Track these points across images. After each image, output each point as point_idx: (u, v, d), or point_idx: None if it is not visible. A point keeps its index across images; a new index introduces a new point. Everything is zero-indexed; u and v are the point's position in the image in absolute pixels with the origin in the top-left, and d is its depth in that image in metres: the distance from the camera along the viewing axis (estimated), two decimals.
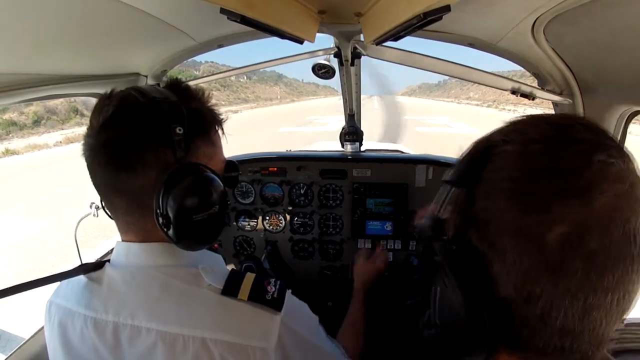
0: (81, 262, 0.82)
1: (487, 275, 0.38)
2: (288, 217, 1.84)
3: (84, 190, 0.66)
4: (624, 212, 0.34)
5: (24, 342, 1.08)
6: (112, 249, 0.70)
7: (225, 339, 0.60)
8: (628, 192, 0.35)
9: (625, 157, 0.37)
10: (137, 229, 0.65)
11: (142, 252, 0.65)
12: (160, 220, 0.60)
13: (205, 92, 0.70)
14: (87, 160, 0.62)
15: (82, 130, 0.66)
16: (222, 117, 0.71)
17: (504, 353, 0.42)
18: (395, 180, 1.75)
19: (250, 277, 0.66)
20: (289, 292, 0.68)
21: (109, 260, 0.69)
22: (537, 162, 0.37)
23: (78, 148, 0.64)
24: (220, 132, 0.71)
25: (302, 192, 1.82)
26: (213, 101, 0.71)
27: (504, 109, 42.30)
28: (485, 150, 0.41)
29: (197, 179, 0.62)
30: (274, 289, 0.66)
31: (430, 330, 0.47)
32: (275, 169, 1.81)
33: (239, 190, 1.85)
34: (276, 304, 0.64)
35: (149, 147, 0.59)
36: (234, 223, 1.87)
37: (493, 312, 0.38)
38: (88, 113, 0.67)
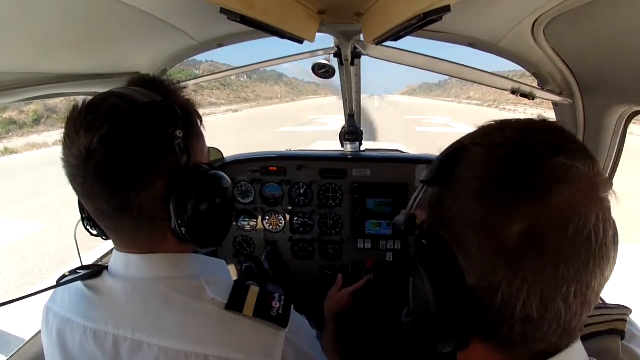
0: (81, 262, 0.81)
1: (455, 267, 0.41)
2: (288, 217, 1.84)
3: None
4: (581, 211, 0.37)
5: (24, 343, 1.08)
6: (110, 251, 0.69)
7: (229, 356, 0.58)
8: (586, 193, 0.37)
9: (587, 160, 0.39)
10: (143, 243, 0.63)
11: (143, 264, 0.63)
12: (184, 230, 0.59)
13: (179, 84, 0.67)
14: (81, 185, 0.57)
15: None
16: (197, 105, 0.69)
17: (477, 342, 0.44)
18: (395, 180, 1.75)
19: (254, 291, 0.65)
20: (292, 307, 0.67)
21: (107, 267, 0.67)
22: (500, 164, 0.40)
23: None
24: (200, 121, 0.69)
25: (302, 191, 1.82)
26: (195, 100, 0.69)
27: (504, 108, 41.83)
28: (456, 152, 0.45)
29: (209, 180, 0.61)
30: (278, 304, 0.64)
31: (407, 319, 0.50)
32: (275, 168, 1.81)
33: (238, 190, 1.85)
34: (281, 321, 0.62)
35: (154, 157, 0.57)
36: (234, 223, 1.87)
37: (461, 302, 0.41)
38: None
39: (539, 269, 0.37)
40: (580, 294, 0.38)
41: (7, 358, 1.05)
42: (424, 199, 0.48)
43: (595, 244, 0.37)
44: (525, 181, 0.38)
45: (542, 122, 0.43)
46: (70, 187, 0.60)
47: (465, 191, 0.41)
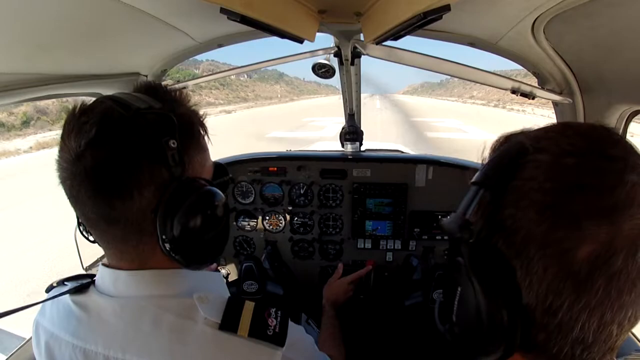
0: (82, 265, 0.80)
1: (513, 282, 0.39)
2: (288, 217, 1.84)
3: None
4: None
5: (24, 342, 1.09)
6: (101, 258, 0.66)
7: None
8: None
9: None
10: (132, 257, 0.60)
11: (132, 281, 0.60)
12: (168, 246, 0.56)
13: (184, 93, 0.65)
14: (69, 189, 0.55)
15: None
16: (203, 117, 0.66)
17: (517, 355, 0.42)
18: (395, 180, 1.75)
19: (249, 308, 0.61)
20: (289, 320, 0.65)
21: (94, 281, 0.64)
22: (570, 176, 0.37)
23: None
24: (204, 134, 0.65)
25: (302, 192, 1.82)
26: (192, 100, 0.65)
27: (512, 109, 39.21)
28: (515, 155, 0.41)
29: (201, 197, 0.58)
30: (275, 322, 0.62)
31: (444, 326, 0.48)
32: (276, 168, 1.81)
33: (239, 190, 1.85)
34: (278, 340, 0.60)
35: (143, 167, 0.54)
36: (234, 223, 1.87)
37: (514, 319, 0.39)
38: None
39: (604, 294, 0.35)
40: (633, 317, 0.37)
41: (7, 357, 1.05)
42: (472, 200, 0.43)
43: None
44: (599, 200, 0.35)
45: (607, 131, 0.40)
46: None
47: (528, 201, 0.38)
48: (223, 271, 1.82)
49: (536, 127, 0.46)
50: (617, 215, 0.35)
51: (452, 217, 0.45)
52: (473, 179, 0.44)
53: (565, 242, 0.35)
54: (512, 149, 0.42)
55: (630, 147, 0.39)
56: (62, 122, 0.58)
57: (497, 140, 0.49)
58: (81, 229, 0.65)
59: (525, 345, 0.41)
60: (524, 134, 0.44)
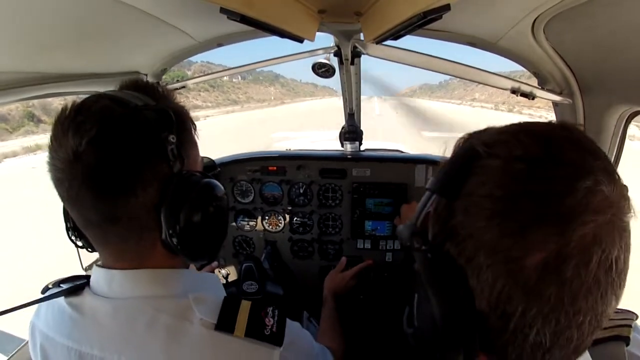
0: (81, 265, 0.80)
1: (465, 288, 0.39)
2: (287, 216, 1.84)
3: None
4: (604, 242, 0.34)
5: (22, 344, 1.08)
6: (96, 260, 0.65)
7: None
8: (610, 222, 0.35)
9: (612, 181, 0.36)
10: (132, 256, 0.59)
11: (127, 281, 0.59)
12: (175, 240, 0.56)
13: (169, 89, 0.65)
14: (67, 191, 0.54)
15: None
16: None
17: (482, 355, 0.42)
18: (394, 180, 1.75)
19: (245, 307, 0.61)
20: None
21: (88, 282, 0.64)
22: (519, 183, 0.36)
23: None
24: (194, 129, 0.66)
25: (301, 191, 1.82)
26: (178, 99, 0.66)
27: (530, 114, 31.77)
28: (468, 161, 0.41)
29: (205, 189, 0.59)
30: (272, 321, 0.61)
31: (409, 329, 0.48)
32: (275, 168, 1.81)
33: (238, 189, 1.85)
34: (276, 339, 0.59)
35: (146, 162, 0.54)
36: (233, 223, 1.87)
37: (469, 324, 0.39)
38: (46, 119, 0.56)
39: (557, 301, 0.35)
40: (594, 320, 0.37)
41: (8, 357, 1.05)
42: (427, 209, 0.44)
43: (614, 273, 0.36)
44: (547, 208, 0.35)
45: (563, 131, 0.39)
46: None
47: (477, 209, 0.38)
48: (223, 271, 1.81)
49: (495, 127, 0.45)
50: (566, 224, 0.34)
51: (406, 224, 0.45)
52: (427, 184, 0.44)
53: (513, 250, 0.35)
54: (464, 154, 0.42)
55: (587, 148, 0.38)
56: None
57: (459, 140, 0.48)
58: (70, 234, 0.64)
59: (487, 348, 0.41)
60: (481, 135, 0.44)
